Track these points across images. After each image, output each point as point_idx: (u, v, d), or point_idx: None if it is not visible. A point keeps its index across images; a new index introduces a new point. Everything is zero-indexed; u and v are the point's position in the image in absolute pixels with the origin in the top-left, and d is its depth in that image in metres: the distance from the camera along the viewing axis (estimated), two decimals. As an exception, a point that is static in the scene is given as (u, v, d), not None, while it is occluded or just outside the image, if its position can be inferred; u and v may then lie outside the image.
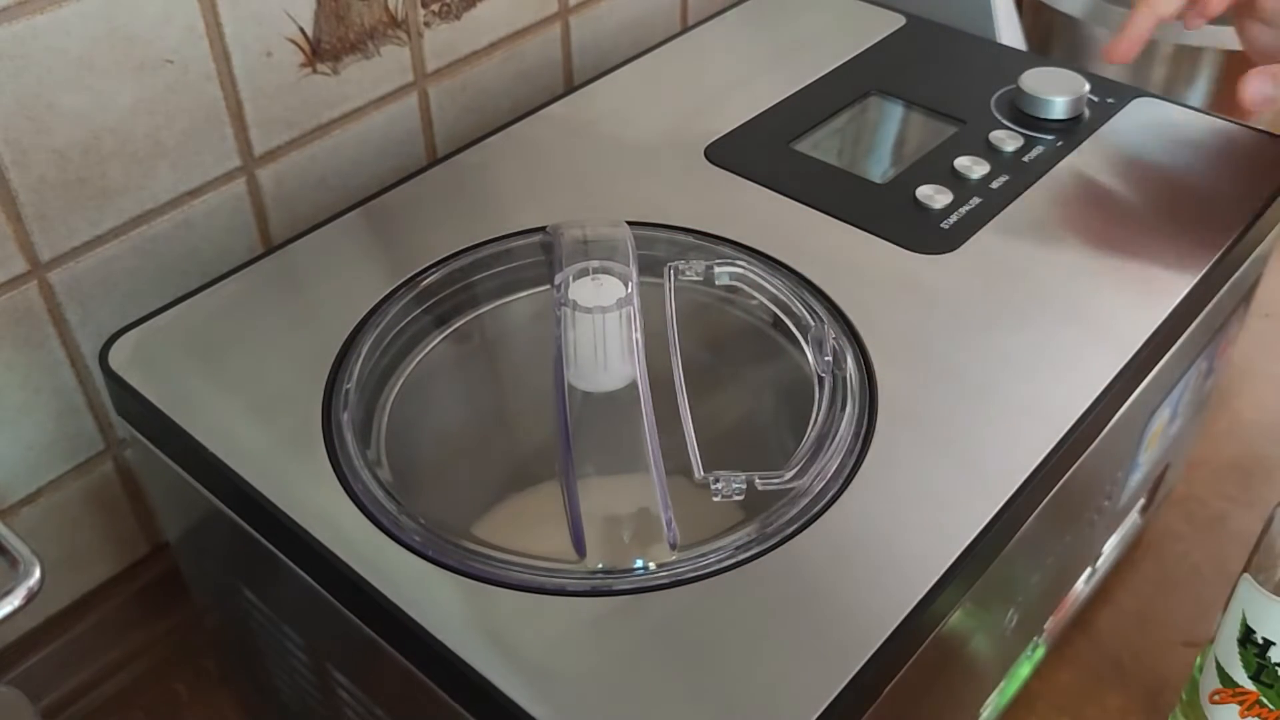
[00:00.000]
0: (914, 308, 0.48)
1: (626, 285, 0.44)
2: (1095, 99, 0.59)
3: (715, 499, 0.40)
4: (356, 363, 0.45)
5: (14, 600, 0.39)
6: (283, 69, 0.57)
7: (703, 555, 0.39)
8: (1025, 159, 0.56)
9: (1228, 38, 0.72)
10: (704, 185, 0.55)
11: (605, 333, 0.43)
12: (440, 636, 0.37)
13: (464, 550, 0.39)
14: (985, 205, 0.53)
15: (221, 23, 0.54)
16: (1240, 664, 0.51)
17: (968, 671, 0.48)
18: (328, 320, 0.47)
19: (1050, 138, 0.57)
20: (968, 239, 0.51)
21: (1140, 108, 0.59)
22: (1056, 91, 0.57)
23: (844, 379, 0.44)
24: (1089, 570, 0.60)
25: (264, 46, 0.56)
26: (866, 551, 0.39)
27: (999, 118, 0.58)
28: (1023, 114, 0.58)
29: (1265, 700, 0.51)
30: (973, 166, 0.55)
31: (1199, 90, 0.81)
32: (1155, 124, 0.58)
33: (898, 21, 0.67)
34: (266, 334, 0.47)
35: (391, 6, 0.60)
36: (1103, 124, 0.58)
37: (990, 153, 0.56)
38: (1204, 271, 0.50)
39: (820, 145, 0.58)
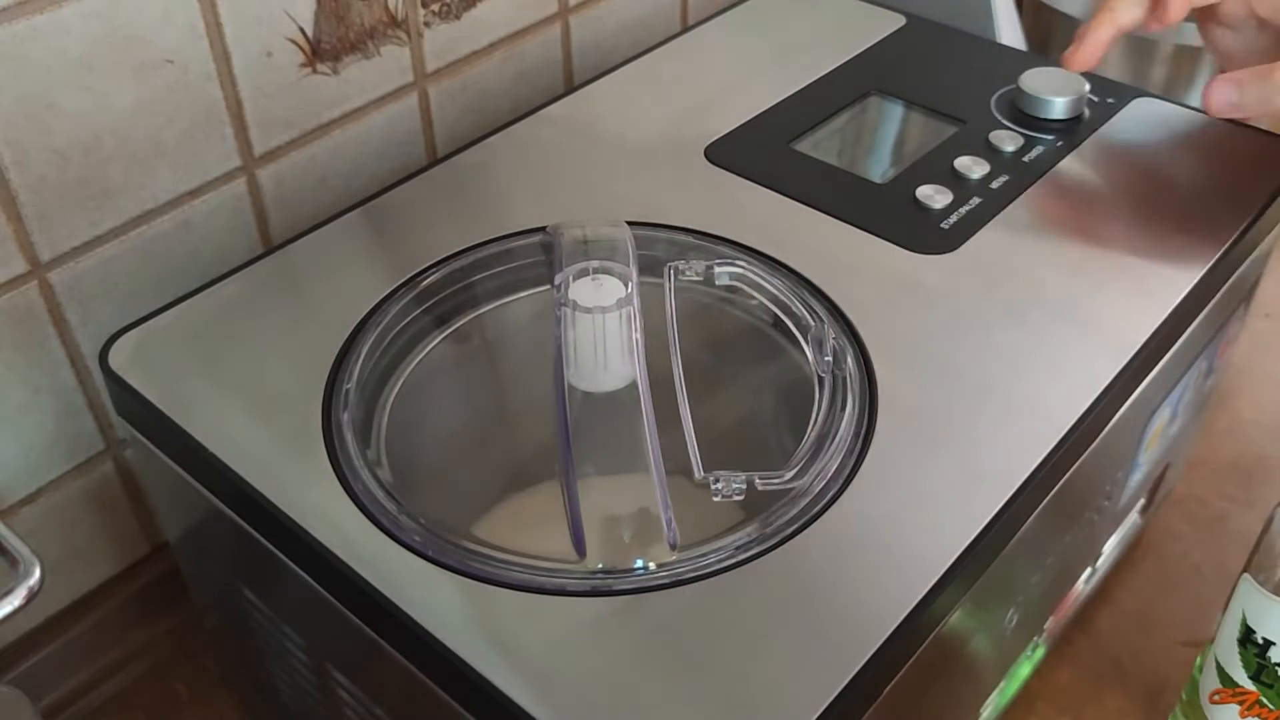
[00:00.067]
0: (914, 308, 0.48)
1: (626, 285, 0.44)
2: (1095, 99, 0.59)
3: (715, 499, 0.40)
4: (356, 363, 0.45)
5: (14, 600, 0.39)
6: (283, 69, 0.57)
7: (703, 555, 0.39)
8: (1025, 159, 0.56)
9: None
10: (704, 185, 0.55)
11: (605, 333, 0.43)
12: (440, 636, 0.37)
13: (464, 550, 0.39)
14: (985, 205, 0.53)
15: (221, 23, 0.54)
16: (1240, 664, 0.51)
17: (968, 671, 0.48)
18: (328, 320, 0.47)
19: (1050, 138, 0.57)
20: (968, 239, 0.51)
21: (1140, 108, 0.59)
22: (1056, 91, 0.57)
23: (844, 379, 0.44)
24: (1089, 570, 0.59)
25: (264, 46, 0.56)
26: (866, 551, 0.39)
27: (999, 118, 0.58)
28: (1023, 114, 0.58)
29: (1265, 700, 0.51)
30: (973, 166, 0.55)
31: (1199, 90, 0.81)
32: (1155, 124, 0.58)
33: (898, 21, 0.67)
34: (266, 334, 0.47)
35: (391, 6, 0.60)
36: (1103, 124, 0.58)
37: (990, 153, 0.56)
38: (1204, 271, 0.50)
39: (820, 145, 0.58)
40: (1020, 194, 0.54)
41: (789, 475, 0.41)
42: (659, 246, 0.50)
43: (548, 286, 0.45)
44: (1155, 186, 0.54)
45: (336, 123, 0.61)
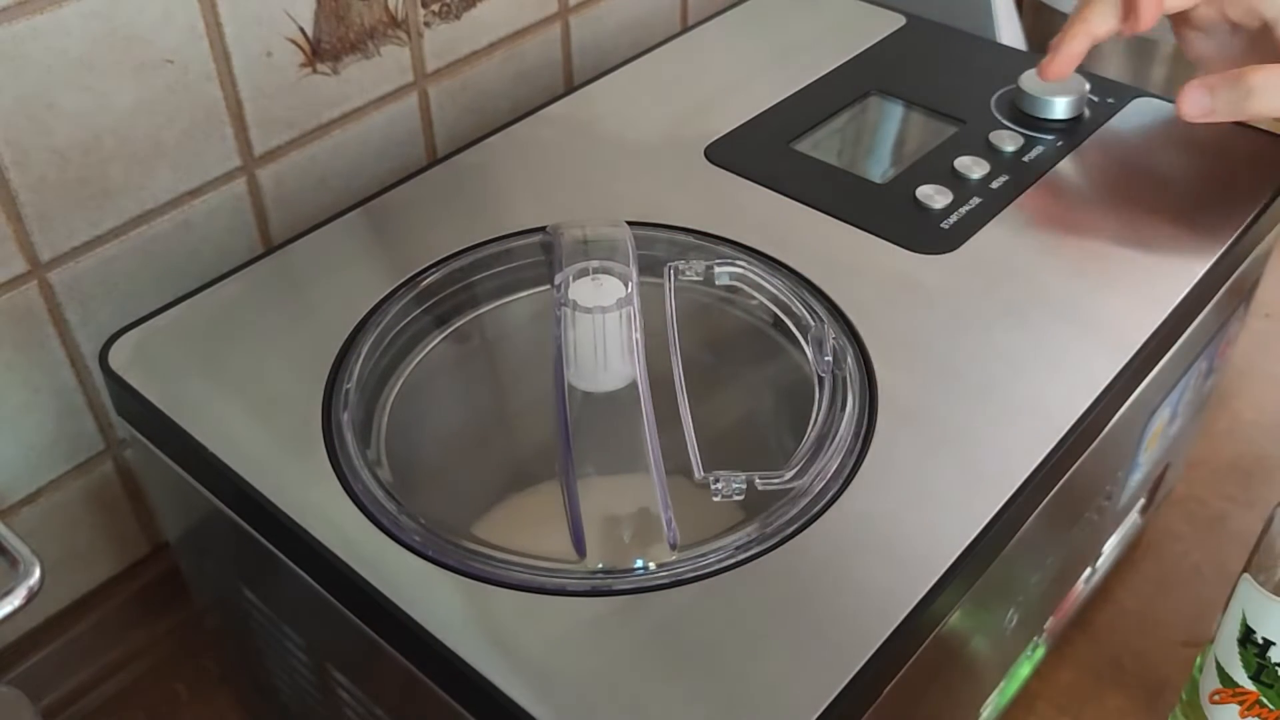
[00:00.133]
0: (914, 307, 0.48)
1: (626, 285, 0.44)
2: (1095, 99, 0.59)
3: (715, 499, 0.40)
4: (356, 363, 0.45)
5: (14, 600, 0.39)
6: (283, 69, 0.57)
7: (703, 555, 0.39)
8: (1025, 159, 0.56)
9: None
10: (704, 185, 0.55)
11: (605, 333, 0.43)
12: (440, 636, 0.37)
13: (464, 550, 0.39)
14: (985, 205, 0.53)
15: (221, 23, 0.54)
16: (1240, 664, 0.51)
17: (968, 671, 0.48)
18: (328, 320, 0.47)
19: (1050, 138, 0.57)
20: (968, 239, 0.51)
21: (1140, 108, 0.59)
22: (1056, 91, 0.57)
23: (844, 379, 0.44)
24: (1089, 570, 0.59)
25: (264, 46, 0.56)
26: (866, 551, 0.39)
27: (999, 118, 0.58)
28: (1023, 114, 0.58)
29: (1265, 700, 0.51)
30: (973, 166, 0.55)
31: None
32: (1155, 124, 0.58)
33: (898, 21, 0.67)
34: (266, 334, 0.47)
35: (391, 6, 0.60)
36: (1103, 124, 0.58)
37: (990, 153, 0.56)
38: (1204, 271, 0.50)
39: (820, 145, 0.58)
40: (1020, 194, 0.54)
41: (789, 475, 0.41)
42: (659, 246, 0.50)
43: (548, 286, 0.45)
44: (1155, 186, 0.54)
45: (336, 123, 0.61)
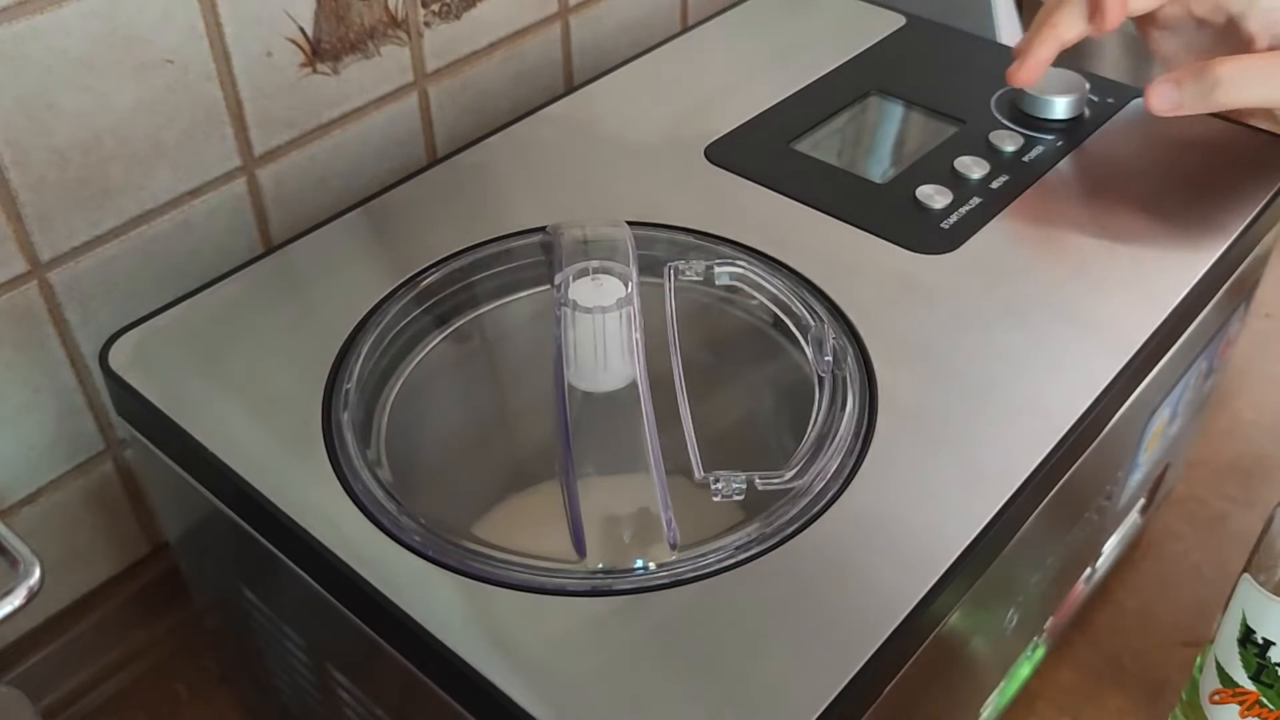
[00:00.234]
0: (914, 307, 0.48)
1: (626, 285, 0.44)
2: (1095, 99, 0.59)
3: (715, 499, 0.40)
4: (356, 363, 0.45)
5: (14, 600, 0.39)
6: (283, 69, 0.57)
7: (703, 555, 0.39)
8: (1025, 159, 0.56)
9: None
10: (704, 185, 0.55)
11: (605, 333, 0.43)
12: (440, 636, 0.37)
13: (464, 550, 0.39)
14: (985, 205, 0.53)
15: (221, 23, 0.54)
16: (1240, 664, 0.51)
17: (968, 671, 0.48)
18: (328, 320, 0.47)
19: (1050, 138, 0.57)
20: (968, 239, 0.51)
21: (1140, 108, 0.59)
22: (1056, 91, 0.57)
23: (844, 379, 0.44)
24: (1089, 570, 0.59)
25: (264, 46, 0.56)
26: (866, 551, 0.39)
27: (999, 118, 0.58)
28: (1023, 114, 0.58)
29: (1265, 700, 0.51)
30: (973, 166, 0.55)
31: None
32: (1155, 124, 0.58)
33: (898, 21, 0.67)
34: (266, 334, 0.47)
35: (391, 6, 0.60)
36: (1103, 124, 0.58)
37: (990, 153, 0.56)
38: (1204, 271, 0.50)
39: (820, 145, 0.58)
40: (1020, 194, 0.54)
41: (789, 475, 0.41)
42: (659, 246, 0.50)
43: (548, 286, 0.45)
44: (1155, 186, 0.54)
45: (336, 123, 0.61)
